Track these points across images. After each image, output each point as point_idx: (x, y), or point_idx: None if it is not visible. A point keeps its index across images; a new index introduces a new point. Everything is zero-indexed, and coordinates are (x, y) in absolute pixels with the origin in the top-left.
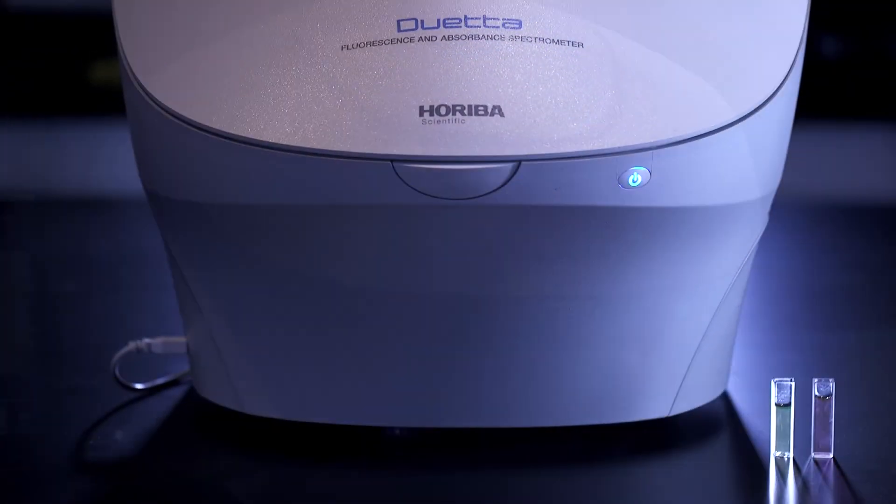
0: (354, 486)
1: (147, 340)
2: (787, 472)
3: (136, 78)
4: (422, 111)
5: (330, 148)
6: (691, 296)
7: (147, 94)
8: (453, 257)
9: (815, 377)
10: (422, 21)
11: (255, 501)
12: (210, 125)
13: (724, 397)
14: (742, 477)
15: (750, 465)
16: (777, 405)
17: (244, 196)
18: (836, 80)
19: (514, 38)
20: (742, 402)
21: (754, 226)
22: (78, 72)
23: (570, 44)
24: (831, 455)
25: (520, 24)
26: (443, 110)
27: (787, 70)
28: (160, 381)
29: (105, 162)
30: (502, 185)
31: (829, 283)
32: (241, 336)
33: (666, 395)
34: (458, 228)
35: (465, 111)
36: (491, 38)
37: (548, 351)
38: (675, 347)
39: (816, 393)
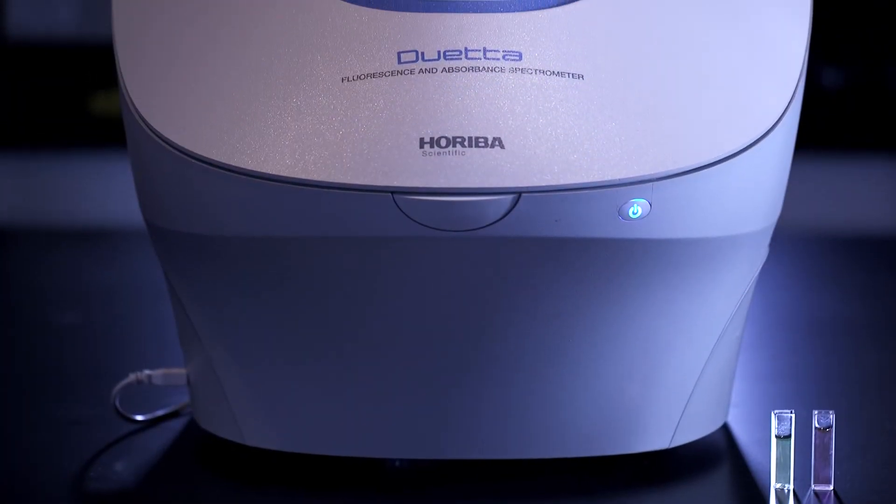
0: None
1: (147, 372)
2: None
3: (136, 109)
4: (422, 143)
5: (330, 180)
6: (692, 327)
7: (147, 125)
8: (453, 289)
9: (816, 409)
10: (422, 53)
11: None
12: (210, 157)
13: (725, 428)
14: None
15: (750, 496)
16: (777, 437)
17: (244, 228)
18: (837, 111)
19: (514, 70)
20: (742, 434)
21: (755, 257)
22: (78, 103)
23: (571, 76)
24: (831, 487)
25: (520, 56)
26: (443, 142)
27: (788, 101)
28: (161, 412)
29: (105, 193)
30: (502, 217)
31: (829, 313)
32: (242, 367)
33: (666, 427)
34: (459, 260)
35: (466, 143)
36: (491, 70)
37: (547, 382)
38: (676, 379)
39: (817, 425)
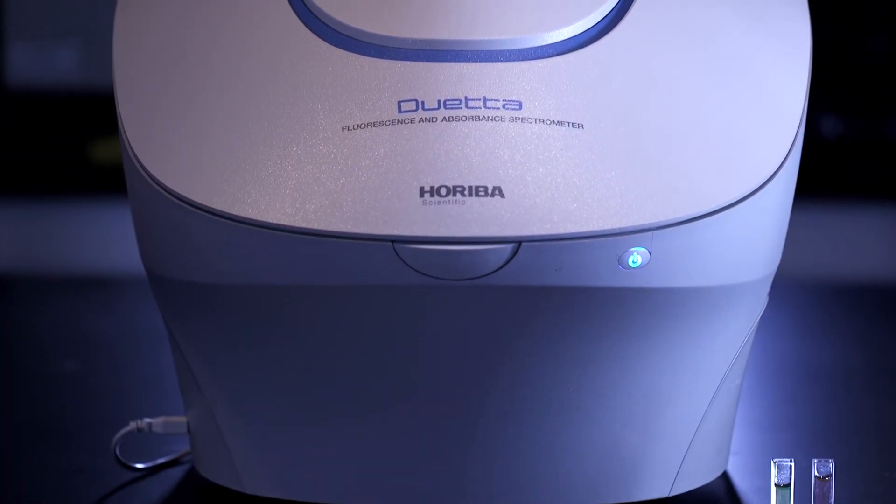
0: None
1: (148, 420)
2: None
3: (136, 157)
4: (422, 192)
5: (331, 229)
6: (691, 376)
7: (147, 173)
8: (453, 337)
9: (815, 457)
10: (422, 102)
11: None
12: (210, 205)
13: (724, 477)
14: None
15: None
16: (777, 485)
17: (243, 276)
18: (836, 159)
19: (514, 119)
20: (742, 482)
21: (754, 306)
22: (78, 150)
23: (570, 125)
24: None
25: (520, 105)
26: (443, 191)
27: (787, 150)
28: (161, 460)
29: (105, 240)
30: (503, 266)
31: (828, 362)
32: (242, 415)
33: (666, 476)
34: (459, 309)
35: (466, 192)
36: (491, 120)
37: (547, 431)
38: (675, 427)
39: (816, 474)
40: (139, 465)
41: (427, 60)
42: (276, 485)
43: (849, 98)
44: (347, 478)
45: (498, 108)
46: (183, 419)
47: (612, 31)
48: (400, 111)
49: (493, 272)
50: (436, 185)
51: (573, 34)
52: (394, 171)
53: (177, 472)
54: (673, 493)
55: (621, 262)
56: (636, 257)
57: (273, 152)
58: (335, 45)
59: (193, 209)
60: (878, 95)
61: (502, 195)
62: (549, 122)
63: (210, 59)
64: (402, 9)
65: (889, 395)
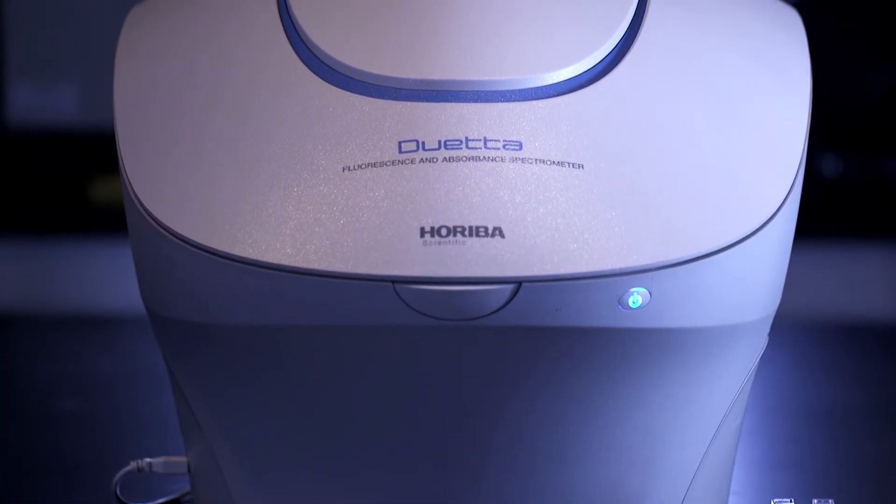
0: None
1: (148, 460)
2: None
3: (136, 196)
4: (423, 232)
5: (331, 269)
6: (691, 416)
7: (147, 212)
8: (453, 377)
9: (815, 497)
10: (423, 143)
11: None
12: (211, 245)
13: None
14: None
15: None
16: None
17: (245, 317)
18: (836, 198)
19: (514, 159)
20: None
21: (754, 346)
22: (79, 189)
23: (571, 165)
24: None
25: (520, 145)
26: (444, 231)
27: (788, 190)
28: (162, 500)
29: (105, 279)
30: (503, 306)
31: (828, 401)
32: (242, 455)
33: None
34: (459, 349)
35: (466, 232)
36: (492, 160)
37: (547, 471)
38: (675, 467)
39: None
40: None
41: (428, 101)
42: None
43: (849, 137)
44: None
45: (498, 149)
46: (183, 459)
47: (612, 71)
48: (400, 151)
49: (494, 312)
50: (436, 226)
51: (573, 74)
52: (394, 212)
53: None
54: None
55: (622, 302)
56: (636, 298)
57: (274, 192)
58: (336, 85)
59: (194, 249)
60: (878, 135)
61: (502, 235)
62: (549, 163)
63: (211, 99)
64: (402, 49)
65: (889, 436)
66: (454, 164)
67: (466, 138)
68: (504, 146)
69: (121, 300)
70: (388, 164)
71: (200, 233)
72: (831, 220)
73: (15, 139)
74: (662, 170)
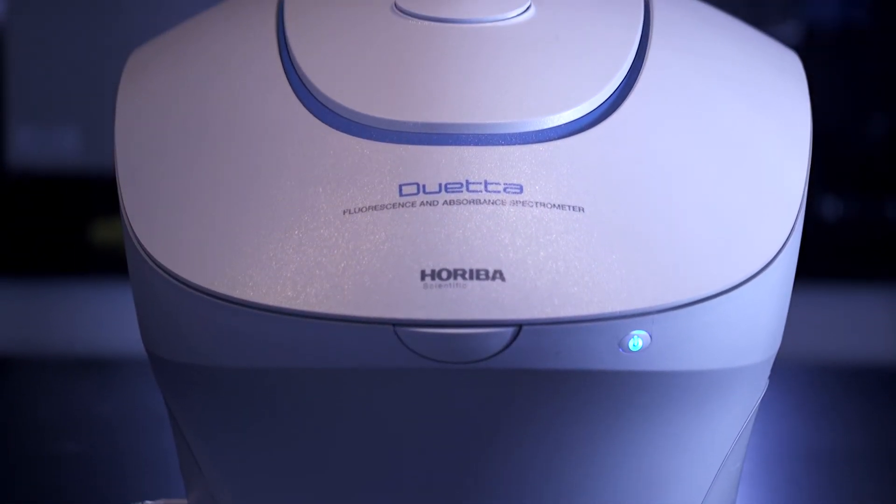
0: None
1: (149, 502)
2: None
3: (137, 239)
4: (423, 275)
5: (332, 312)
6: (691, 459)
7: (148, 255)
8: (453, 420)
9: None
10: (423, 186)
11: None
12: (212, 288)
13: None
14: None
15: None
16: None
17: (245, 360)
18: (836, 240)
19: (515, 202)
20: None
21: (755, 389)
22: (79, 231)
23: (572, 208)
24: None
25: (521, 188)
26: (444, 275)
27: (788, 233)
28: None
29: (106, 321)
30: (503, 350)
31: (829, 444)
32: (243, 497)
33: None
34: (459, 392)
35: (467, 276)
36: (492, 203)
37: None
38: None
39: None
40: None
41: (428, 144)
42: None
43: (849, 180)
44: None
45: (499, 192)
46: (184, 501)
47: (612, 114)
48: (401, 195)
49: (494, 355)
50: (437, 269)
51: (574, 118)
52: (395, 255)
53: None
54: None
55: (622, 345)
56: (637, 341)
57: (274, 235)
58: (336, 129)
59: (194, 291)
60: (878, 177)
61: (503, 279)
62: (549, 206)
63: (211, 142)
64: (403, 92)
65: (890, 479)
66: (455, 207)
67: (467, 181)
68: (505, 189)
69: (121, 342)
70: (388, 207)
71: (201, 275)
72: (832, 263)
73: (16, 181)
74: (663, 213)
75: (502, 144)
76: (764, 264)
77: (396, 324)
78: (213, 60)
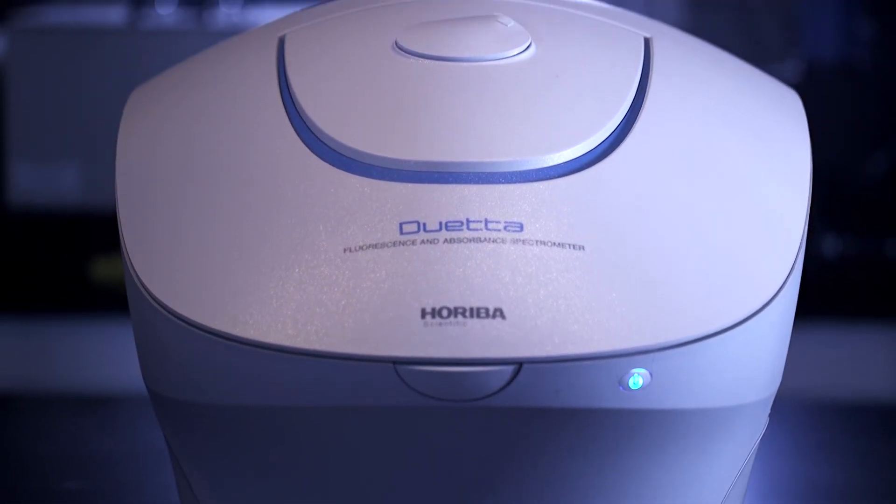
0: None
1: None
2: None
3: (138, 276)
4: (423, 313)
5: (332, 350)
6: (691, 497)
7: (149, 293)
8: (453, 458)
9: None
10: (424, 224)
11: None
12: (212, 326)
13: None
14: None
15: None
16: None
17: (246, 397)
18: (836, 279)
19: (515, 241)
20: None
21: (755, 427)
22: (79, 268)
23: (572, 247)
24: None
25: (521, 227)
26: (444, 313)
27: (788, 271)
28: None
29: (107, 359)
30: (503, 387)
31: (828, 481)
32: None
33: None
34: (459, 430)
35: (467, 314)
36: (493, 241)
37: None
38: None
39: None
40: None
41: (429, 182)
42: None
43: (849, 218)
44: None
45: (499, 230)
46: None
47: (613, 152)
48: (401, 233)
49: (495, 393)
50: (437, 307)
51: (575, 156)
52: (395, 293)
53: None
54: None
55: (622, 383)
56: (637, 379)
57: (275, 273)
58: (337, 167)
59: (195, 329)
60: (878, 216)
61: (503, 317)
62: (550, 244)
63: (212, 180)
64: (403, 130)
65: None
66: (455, 245)
67: (467, 219)
68: (505, 227)
69: (122, 379)
70: (388, 245)
71: (201, 313)
72: (832, 301)
73: (16, 218)
74: (663, 251)
75: (503, 183)
76: (764, 302)
77: (397, 362)
78: (213, 98)
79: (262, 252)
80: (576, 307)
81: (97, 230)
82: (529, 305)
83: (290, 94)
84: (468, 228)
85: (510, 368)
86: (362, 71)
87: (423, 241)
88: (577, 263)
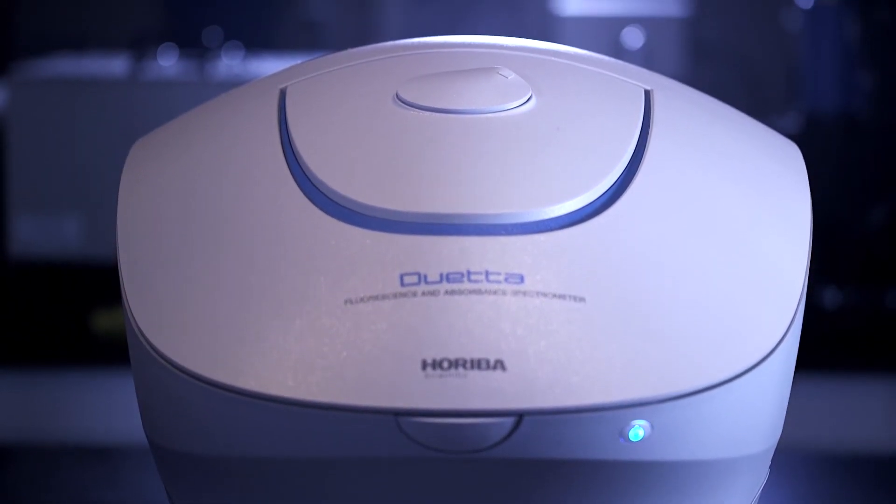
0: None
1: None
2: None
3: (139, 328)
4: (424, 365)
5: (333, 401)
6: None
7: (150, 344)
8: None
9: None
10: (424, 276)
11: None
12: (213, 378)
13: None
14: None
15: None
16: None
17: (246, 449)
18: (836, 330)
19: (515, 292)
20: None
21: (756, 478)
22: (81, 320)
23: (572, 298)
24: None
25: (522, 278)
26: (445, 364)
27: (788, 323)
28: None
29: (108, 411)
30: (504, 439)
31: None
32: None
33: None
34: (460, 481)
35: (468, 365)
36: (493, 293)
37: None
38: None
39: None
40: None
41: (429, 234)
42: None
43: (849, 270)
44: None
45: (500, 282)
46: None
47: (613, 204)
48: (402, 284)
49: (495, 445)
50: (438, 358)
51: (575, 208)
52: (396, 345)
53: None
54: None
55: (623, 435)
56: (638, 430)
57: (276, 325)
58: (338, 219)
59: (196, 381)
60: (878, 268)
61: (504, 368)
62: (550, 296)
63: (213, 231)
64: (404, 182)
65: None
66: (456, 297)
67: (468, 271)
68: (506, 279)
69: (123, 431)
70: (389, 296)
71: (202, 365)
72: (832, 353)
73: (17, 270)
74: (664, 303)
75: (503, 234)
76: (765, 354)
77: (398, 413)
78: (215, 150)
79: (263, 303)
80: (576, 359)
81: (98, 282)
82: (530, 357)
83: (291, 145)
84: (469, 280)
85: (511, 420)
86: (363, 123)
87: (423, 293)
88: (578, 315)
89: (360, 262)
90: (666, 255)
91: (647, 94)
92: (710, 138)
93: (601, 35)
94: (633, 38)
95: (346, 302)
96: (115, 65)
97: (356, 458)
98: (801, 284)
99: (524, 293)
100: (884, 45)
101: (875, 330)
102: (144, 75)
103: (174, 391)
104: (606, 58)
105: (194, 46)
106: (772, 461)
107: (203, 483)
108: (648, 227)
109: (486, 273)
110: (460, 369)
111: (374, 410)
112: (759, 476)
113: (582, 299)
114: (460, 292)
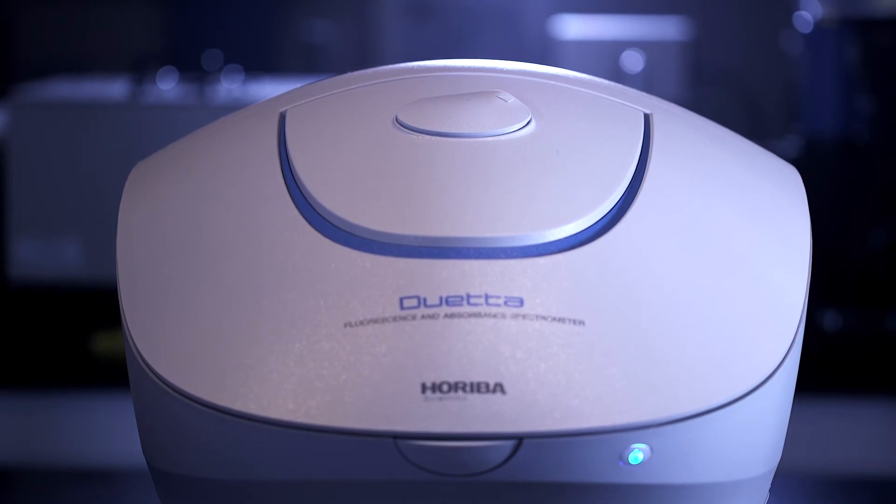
0: None
1: None
2: None
3: (138, 352)
4: (424, 388)
5: (332, 424)
6: None
7: (150, 368)
8: None
9: None
10: (424, 299)
11: None
12: (213, 401)
13: None
14: None
15: None
16: None
17: (246, 472)
18: (836, 353)
19: (515, 316)
20: None
21: (755, 501)
22: (81, 343)
23: (572, 322)
24: None
25: (521, 302)
26: (445, 387)
27: (788, 347)
28: None
29: (107, 434)
30: (504, 462)
31: None
32: None
33: None
34: None
35: (467, 388)
36: (493, 317)
37: None
38: None
39: None
40: None
41: (429, 257)
42: None
43: (849, 293)
44: None
45: (500, 305)
46: None
47: (613, 228)
48: (402, 308)
49: (495, 468)
50: (437, 382)
51: (575, 231)
52: (395, 368)
53: None
54: None
55: (622, 458)
56: (637, 454)
57: (275, 348)
58: (338, 242)
59: (195, 404)
60: (878, 290)
61: (503, 391)
62: (550, 319)
63: (213, 255)
64: (404, 206)
65: None
66: (455, 320)
67: (468, 295)
68: (506, 302)
69: (123, 454)
70: (389, 320)
71: (202, 388)
72: (832, 376)
73: (17, 293)
74: (663, 326)
75: (503, 258)
76: (764, 377)
77: (397, 436)
78: (214, 174)
79: (263, 327)
80: (576, 382)
81: (98, 304)
82: (529, 380)
83: (290, 169)
84: (468, 303)
85: (510, 443)
86: (363, 146)
87: (423, 316)
88: (578, 338)
89: (359, 285)
90: (665, 279)
91: (647, 117)
92: (710, 162)
93: (601, 59)
94: (633, 61)
95: (345, 325)
96: (115, 88)
97: (356, 480)
98: (801, 307)
99: (524, 316)
100: (883, 69)
101: (875, 353)
102: (145, 98)
103: (173, 414)
104: (606, 81)
105: (194, 70)
106: (772, 484)
107: None
108: (648, 250)
109: (486, 296)
110: (460, 392)
111: (373, 434)
112: (759, 499)
113: (581, 322)
114: (460, 315)
